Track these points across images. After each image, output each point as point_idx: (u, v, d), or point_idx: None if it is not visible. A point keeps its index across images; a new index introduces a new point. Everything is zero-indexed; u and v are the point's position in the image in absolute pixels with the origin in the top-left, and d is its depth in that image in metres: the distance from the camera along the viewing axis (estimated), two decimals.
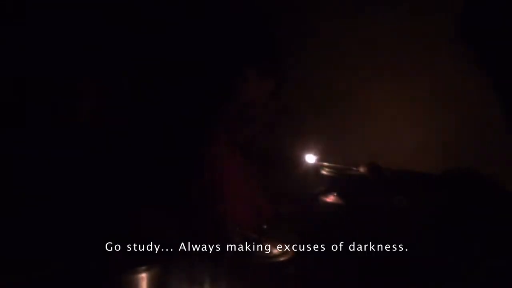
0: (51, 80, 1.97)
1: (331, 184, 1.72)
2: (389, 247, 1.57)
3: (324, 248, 1.63)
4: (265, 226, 1.56)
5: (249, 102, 2.25)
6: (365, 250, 1.57)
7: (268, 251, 1.50)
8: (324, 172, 1.71)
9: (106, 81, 2.15)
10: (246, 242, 1.53)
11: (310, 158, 1.79)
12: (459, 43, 1.84)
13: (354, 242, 1.58)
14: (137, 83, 2.25)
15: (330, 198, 1.67)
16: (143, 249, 1.49)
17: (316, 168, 1.76)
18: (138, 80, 2.25)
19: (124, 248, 1.49)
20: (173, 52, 2.36)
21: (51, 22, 1.98)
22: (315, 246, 1.66)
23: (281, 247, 1.54)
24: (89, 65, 2.10)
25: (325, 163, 1.75)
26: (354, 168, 1.70)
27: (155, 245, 1.52)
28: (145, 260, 1.43)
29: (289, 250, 1.54)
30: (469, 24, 1.61)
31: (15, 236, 1.60)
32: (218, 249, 1.52)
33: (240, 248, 1.51)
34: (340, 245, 1.60)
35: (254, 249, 1.50)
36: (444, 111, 1.99)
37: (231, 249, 1.49)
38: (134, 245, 1.51)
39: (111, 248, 1.48)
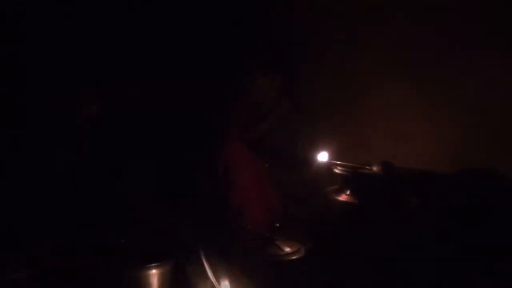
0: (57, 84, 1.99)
1: (343, 183, 1.70)
2: (401, 246, 1.56)
3: (336, 247, 1.62)
4: (277, 225, 1.56)
5: (257, 100, 2.25)
6: (377, 249, 1.56)
7: (280, 249, 1.49)
8: (336, 170, 1.69)
9: (121, 79, 2.16)
10: (259, 240, 1.53)
11: (323, 157, 1.78)
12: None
13: (366, 241, 1.57)
14: (151, 83, 2.26)
15: (343, 197, 1.66)
16: (154, 246, 1.51)
17: (328, 167, 1.75)
18: (152, 80, 2.26)
19: (136, 244, 1.51)
20: (181, 55, 2.37)
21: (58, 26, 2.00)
22: (327, 244, 1.65)
23: (293, 245, 1.53)
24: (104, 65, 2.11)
25: (338, 162, 1.74)
26: (367, 167, 1.69)
27: (166, 242, 1.55)
28: (156, 257, 1.45)
29: (301, 248, 1.53)
30: None
31: (32, 231, 1.62)
32: (230, 246, 1.52)
33: (253, 246, 1.50)
34: (352, 243, 1.59)
35: (266, 247, 1.50)
36: (459, 111, 1.97)
37: (244, 247, 1.49)
38: (145, 241, 1.54)
39: (124, 244, 1.51)
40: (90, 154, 1.98)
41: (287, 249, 1.50)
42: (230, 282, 1.37)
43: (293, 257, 1.49)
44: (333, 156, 1.78)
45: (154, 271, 1.43)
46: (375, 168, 1.68)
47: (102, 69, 2.10)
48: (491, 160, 1.87)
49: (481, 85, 1.92)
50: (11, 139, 1.86)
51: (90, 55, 2.09)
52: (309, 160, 1.87)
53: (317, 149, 1.79)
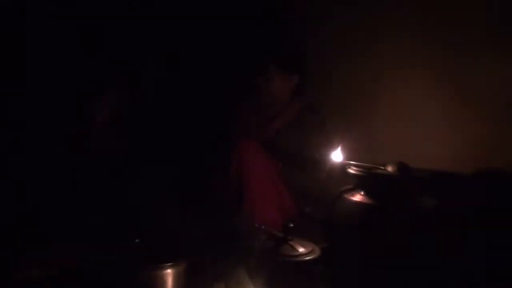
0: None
1: (358, 183, 1.69)
2: (416, 246, 1.55)
3: (350, 247, 1.61)
4: (291, 225, 1.55)
5: (271, 99, 2.24)
6: (391, 249, 1.55)
7: (294, 249, 1.49)
8: (351, 170, 1.68)
9: (130, 80, 2.17)
10: (272, 240, 1.53)
11: (337, 157, 1.76)
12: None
13: (380, 241, 1.56)
14: (162, 84, 2.27)
15: (357, 197, 1.64)
16: (168, 246, 1.52)
17: (342, 167, 1.74)
18: (163, 82, 2.27)
19: (150, 244, 1.52)
20: (197, 54, 2.37)
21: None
22: (341, 245, 1.64)
23: (307, 245, 1.53)
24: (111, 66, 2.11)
25: (352, 162, 1.72)
26: (382, 167, 1.67)
27: (180, 242, 1.55)
28: (170, 257, 1.46)
29: (315, 249, 1.53)
30: None
31: (46, 231, 1.64)
32: (244, 247, 1.53)
33: (267, 247, 1.50)
34: (366, 244, 1.58)
35: (280, 248, 1.49)
36: (474, 112, 1.95)
37: (257, 247, 1.49)
38: (159, 241, 1.55)
39: (138, 244, 1.52)
40: (102, 156, 1.99)
41: (301, 249, 1.50)
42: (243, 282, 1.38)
43: (307, 258, 1.48)
44: (347, 155, 1.77)
45: (168, 270, 1.44)
46: (389, 168, 1.66)
47: (114, 70, 2.10)
48: (507, 162, 1.85)
49: (495, 87, 1.90)
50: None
51: (99, 56, 2.09)
52: (323, 160, 1.86)
53: (331, 148, 1.78)
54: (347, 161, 1.74)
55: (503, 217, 1.70)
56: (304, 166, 2.06)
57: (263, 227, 1.62)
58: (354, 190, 1.70)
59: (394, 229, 1.57)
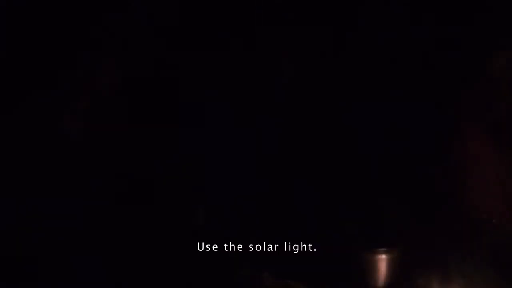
0: None
1: None
2: None
3: None
4: None
5: (498, 76, 2.00)
6: None
7: None
8: None
9: None
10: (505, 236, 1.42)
11: None
12: None
13: None
14: None
15: None
16: (383, 233, 1.51)
17: None
18: None
19: (366, 230, 1.53)
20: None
21: None
22: None
23: None
24: None
25: None
26: None
27: (395, 229, 1.52)
28: (385, 243, 1.45)
29: None
30: None
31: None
32: (466, 239, 1.45)
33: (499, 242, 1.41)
34: None
35: None
36: None
37: (488, 242, 1.40)
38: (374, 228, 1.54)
39: (354, 229, 1.53)
40: None
41: None
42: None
43: None
44: None
45: (382, 256, 1.44)
46: None
47: None
48: None
49: None
50: None
51: None
52: None
53: None
54: None
55: None
56: None
57: (493, 221, 1.49)
58: None
59: None
